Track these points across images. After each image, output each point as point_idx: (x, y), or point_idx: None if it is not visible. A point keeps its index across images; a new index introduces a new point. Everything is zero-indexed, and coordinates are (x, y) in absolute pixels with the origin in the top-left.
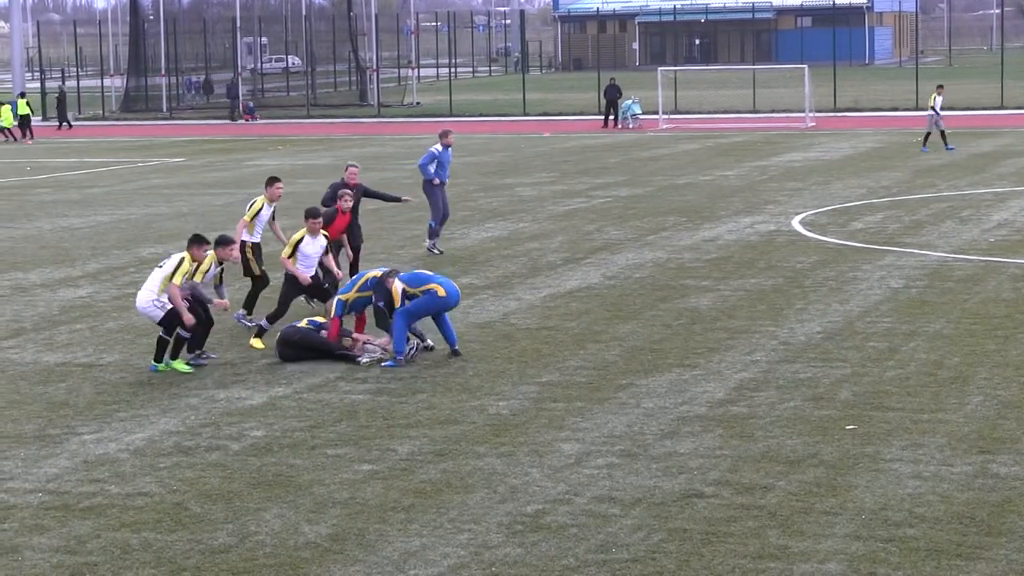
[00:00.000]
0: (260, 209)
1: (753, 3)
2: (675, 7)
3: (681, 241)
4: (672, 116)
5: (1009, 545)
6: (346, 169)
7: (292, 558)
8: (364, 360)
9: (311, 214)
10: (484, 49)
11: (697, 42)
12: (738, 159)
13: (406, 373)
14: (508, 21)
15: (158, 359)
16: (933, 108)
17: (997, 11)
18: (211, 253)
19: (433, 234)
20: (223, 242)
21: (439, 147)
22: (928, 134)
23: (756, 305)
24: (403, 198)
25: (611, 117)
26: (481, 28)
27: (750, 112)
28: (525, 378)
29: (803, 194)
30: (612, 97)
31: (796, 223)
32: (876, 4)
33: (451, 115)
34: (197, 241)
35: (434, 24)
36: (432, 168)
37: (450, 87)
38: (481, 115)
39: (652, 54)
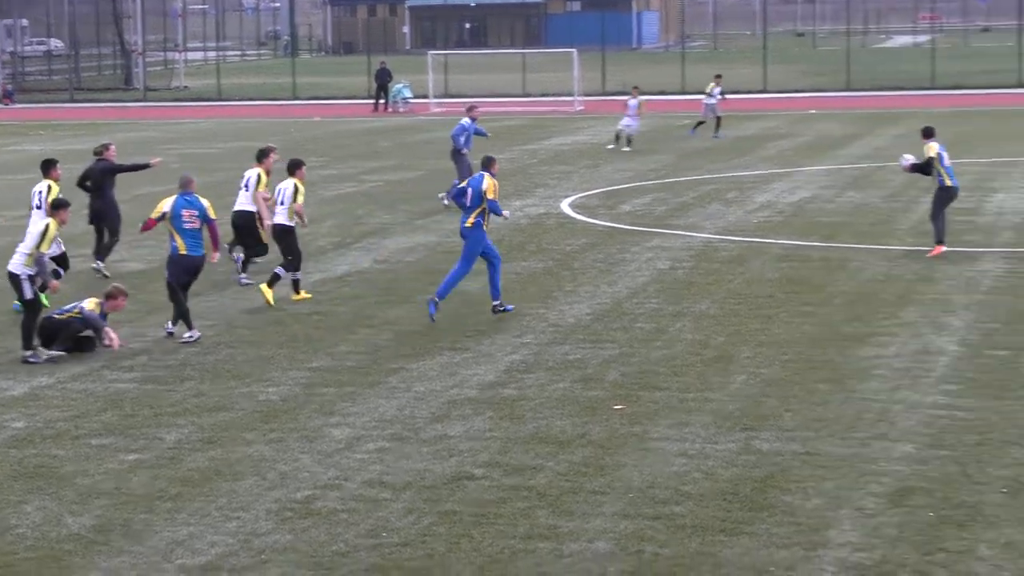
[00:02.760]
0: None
1: None
2: None
3: (452, 225)
4: (443, 100)
5: (771, 520)
6: (107, 148)
7: (55, 550)
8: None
9: (61, 204)
10: (253, 32)
11: (467, 26)
12: (508, 143)
13: (174, 361)
14: (277, 4)
15: None
16: (710, 94)
17: None
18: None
19: (451, 195)
20: None
21: (468, 120)
22: (700, 122)
23: (526, 288)
24: (151, 162)
25: (382, 101)
26: (250, 11)
27: (520, 96)
28: (295, 363)
29: (572, 177)
30: (383, 81)
31: (565, 206)
32: None
33: (220, 99)
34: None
35: (202, 7)
36: (463, 139)
37: (218, 71)
38: (251, 99)
39: (423, 38)
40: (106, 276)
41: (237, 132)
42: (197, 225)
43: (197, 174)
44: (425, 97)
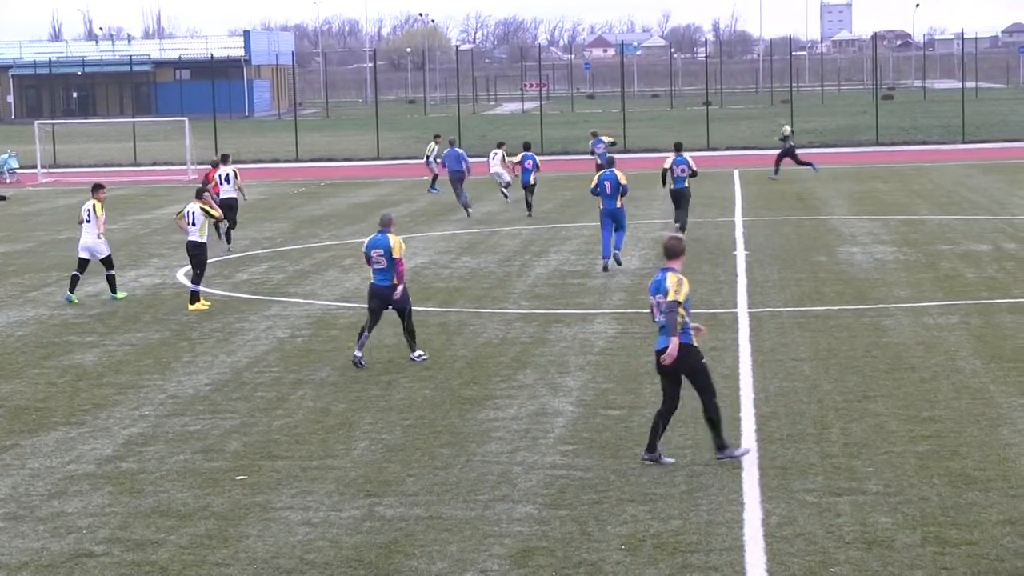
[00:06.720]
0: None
1: (131, 56)
2: (51, 59)
3: (61, 297)
4: (51, 170)
5: None
6: None
7: None
8: None
9: None
10: None
11: (75, 95)
12: (121, 213)
13: None
14: None
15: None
16: (428, 156)
17: (370, 64)
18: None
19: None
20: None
21: (461, 150)
22: (436, 176)
23: (143, 359)
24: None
25: None
26: None
27: (132, 165)
28: None
29: None
30: None
31: (181, 276)
32: (254, 57)
33: None
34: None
35: None
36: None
37: None
38: None
39: (28, 107)
40: None
41: None
42: (384, 264)
43: None
44: (33, 167)
